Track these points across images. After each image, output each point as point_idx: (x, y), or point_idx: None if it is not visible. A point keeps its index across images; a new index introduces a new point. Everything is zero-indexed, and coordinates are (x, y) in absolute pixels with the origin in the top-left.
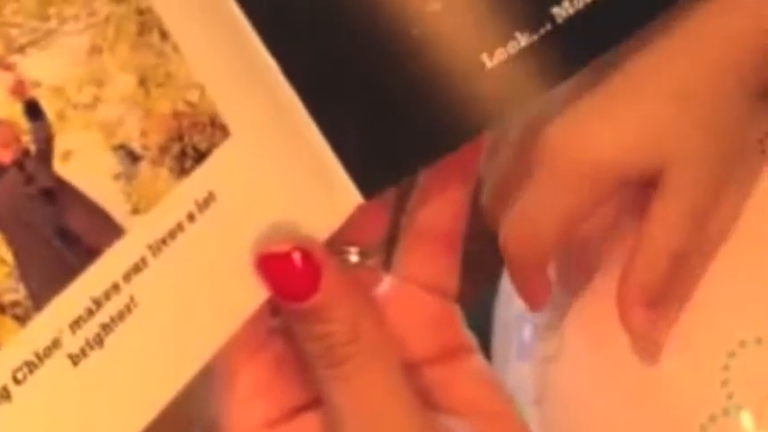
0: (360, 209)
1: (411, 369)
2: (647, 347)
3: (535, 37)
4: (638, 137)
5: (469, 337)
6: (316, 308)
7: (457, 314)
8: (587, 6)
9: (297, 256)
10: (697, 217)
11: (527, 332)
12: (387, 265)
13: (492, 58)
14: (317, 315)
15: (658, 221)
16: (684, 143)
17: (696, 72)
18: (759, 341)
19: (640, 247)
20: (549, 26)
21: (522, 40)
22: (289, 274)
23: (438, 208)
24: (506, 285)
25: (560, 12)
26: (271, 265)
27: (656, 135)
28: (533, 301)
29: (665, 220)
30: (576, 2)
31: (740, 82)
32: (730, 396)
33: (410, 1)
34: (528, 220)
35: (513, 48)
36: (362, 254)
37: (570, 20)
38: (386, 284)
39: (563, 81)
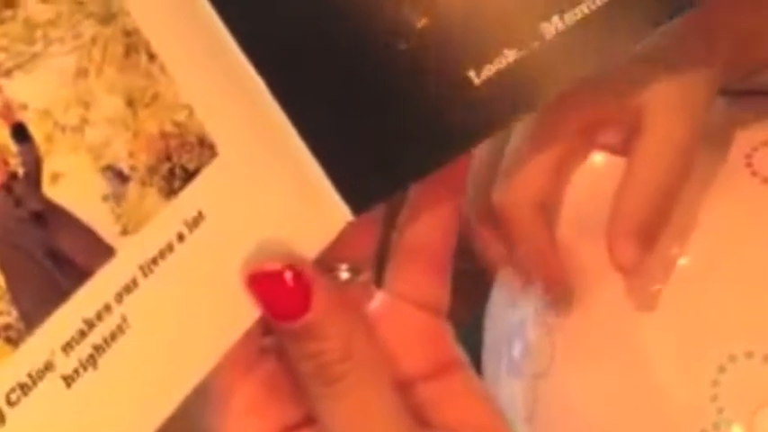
0: (350, 225)
1: (403, 386)
2: (639, 294)
3: (523, 53)
4: (614, 82)
5: (461, 354)
6: (307, 326)
7: (448, 330)
8: (577, 23)
9: (287, 275)
10: (681, 151)
11: (517, 349)
12: (378, 281)
13: (479, 74)
14: (309, 333)
15: (645, 157)
16: (658, 85)
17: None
18: (749, 355)
19: (629, 183)
20: (537, 42)
21: (510, 56)
22: (279, 292)
23: (428, 224)
24: (496, 303)
25: (549, 28)
26: (261, 283)
27: (631, 80)
28: (548, 276)
29: (651, 156)
30: (565, 18)
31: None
32: (720, 411)
33: (397, 17)
34: (515, 173)
35: (500, 64)
36: (353, 270)
37: (559, 36)
38: (377, 301)
39: (550, 98)
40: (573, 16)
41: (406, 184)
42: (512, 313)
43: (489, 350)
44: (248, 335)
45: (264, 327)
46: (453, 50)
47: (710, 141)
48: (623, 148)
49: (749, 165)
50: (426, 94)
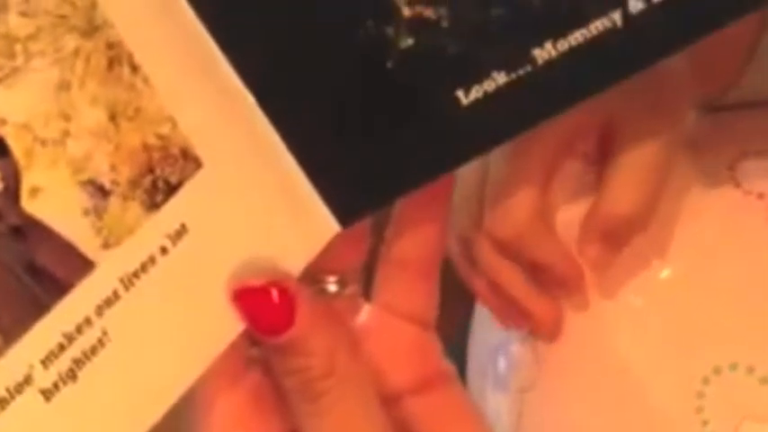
0: (337, 237)
1: (390, 399)
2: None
3: (513, 77)
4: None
5: (449, 367)
6: (290, 342)
7: (436, 343)
8: (571, 50)
9: (271, 291)
10: (654, 163)
11: (502, 364)
12: (366, 294)
13: (468, 94)
14: (293, 349)
15: (618, 168)
16: (633, 94)
17: None
18: (733, 367)
19: (602, 194)
20: (528, 67)
21: (500, 78)
22: (263, 308)
23: (415, 237)
24: (480, 317)
25: (542, 54)
26: (245, 299)
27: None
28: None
29: (624, 167)
30: (559, 45)
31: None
32: (705, 423)
33: (382, 36)
34: (503, 197)
35: (489, 86)
36: (340, 283)
37: (551, 63)
38: (365, 314)
39: (539, 124)
40: (566, 44)
41: (393, 198)
42: (496, 329)
43: (474, 365)
44: (235, 346)
45: (251, 338)
46: (441, 70)
47: (693, 153)
48: (597, 156)
49: (732, 177)
50: (413, 112)
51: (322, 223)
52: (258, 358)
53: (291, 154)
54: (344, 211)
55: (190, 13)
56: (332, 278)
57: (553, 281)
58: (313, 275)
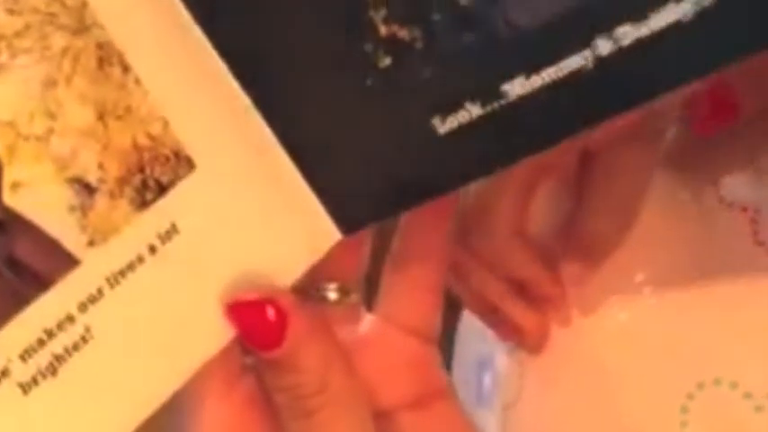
0: (340, 244)
1: (385, 413)
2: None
3: (487, 110)
4: None
5: (448, 383)
6: (282, 358)
7: (436, 358)
8: (544, 87)
9: (263, 307)
10: (634, 179)
11: (487, 380)
12: (369, 305)
13: (444, 123)
14: (284, 365)
15: (597, 184)
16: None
17: None
18: (717, 382)
19: (580, 211)
20: (501, 101)
21: (474, 110)
22: (255, 323)
23: (421, 249)
24: (464, 332)
25: (512, 88)
26: (237, 313)
27: None
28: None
29: (603, 184)
30: (531, 81)
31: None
32: None
33: (362, 53)
34: (482, 215)
35: (463, 117)
36: (342, 291)
37: (524, 99)
38: (366, 324)
39: (517, 162)
40: (539, 80)
41: (395, 211)
42: (481, 343)
43: (459, 380)
44: (229, 353)
45: (244, 348)
46: (417, 94)
47: (676, 167)
48: (576, 175)
49: (715, 191)
50: (392, 134)
51: (323, 230)
52: (253, 366)
53: (291, 161)
54: (346, 218)
55: (186, 16)
56: (332, 285)
57: (534, 297)
58: (313, 282)
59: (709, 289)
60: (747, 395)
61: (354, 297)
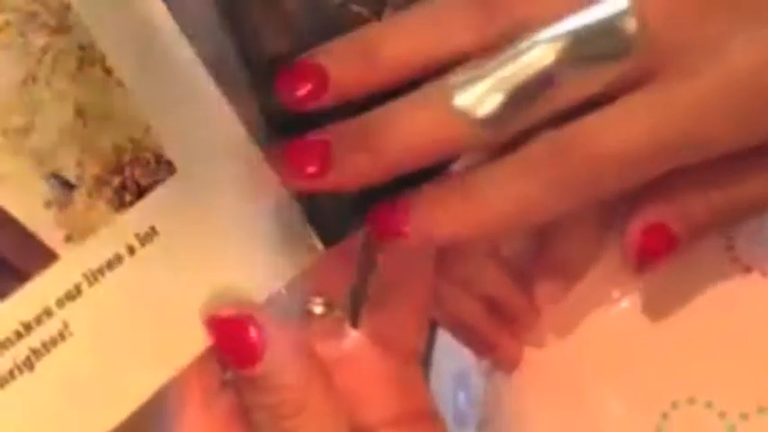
0: (325, 258)
1: (366, 431)
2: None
3: None
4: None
5: (432, 406)
6: (260, 375)
7: (419, 379)
8: None
9: (241, 323)
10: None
11: (462, 399)
12: (354, 322)
13: None
14: (263, 384)
15: (576, 219)
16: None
17: None
18: (691, 401)
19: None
20: None
21: None
22: (233, 340)
23: (408, 269)
24: (440, 350)
25: None
26: (215, 328)
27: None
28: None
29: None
30: None
31: None
32: None
33: None
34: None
35: None
36: (327, 305)
37: None
38: (350, 341)
39: None
40: None
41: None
42: (457, 361)
43: (435, 398)
44: (208, 369)
45: (223, 363)
46: None
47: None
48: None
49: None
50: None
51: (305, 242)
52: (232, 381)
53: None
54: (327, 231)
55: (171, 22)
56: (318, 300)
57: (507, 316)
58: (300, 296)
59: (684, 307)
60: (722, 414)
61: (339, 312)
